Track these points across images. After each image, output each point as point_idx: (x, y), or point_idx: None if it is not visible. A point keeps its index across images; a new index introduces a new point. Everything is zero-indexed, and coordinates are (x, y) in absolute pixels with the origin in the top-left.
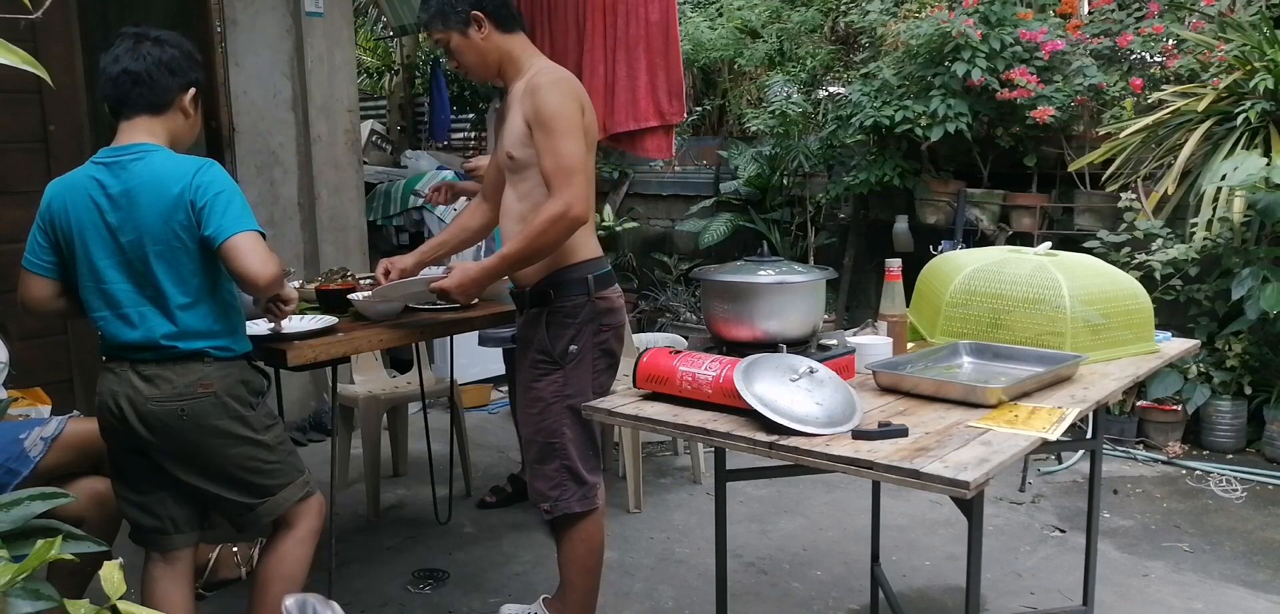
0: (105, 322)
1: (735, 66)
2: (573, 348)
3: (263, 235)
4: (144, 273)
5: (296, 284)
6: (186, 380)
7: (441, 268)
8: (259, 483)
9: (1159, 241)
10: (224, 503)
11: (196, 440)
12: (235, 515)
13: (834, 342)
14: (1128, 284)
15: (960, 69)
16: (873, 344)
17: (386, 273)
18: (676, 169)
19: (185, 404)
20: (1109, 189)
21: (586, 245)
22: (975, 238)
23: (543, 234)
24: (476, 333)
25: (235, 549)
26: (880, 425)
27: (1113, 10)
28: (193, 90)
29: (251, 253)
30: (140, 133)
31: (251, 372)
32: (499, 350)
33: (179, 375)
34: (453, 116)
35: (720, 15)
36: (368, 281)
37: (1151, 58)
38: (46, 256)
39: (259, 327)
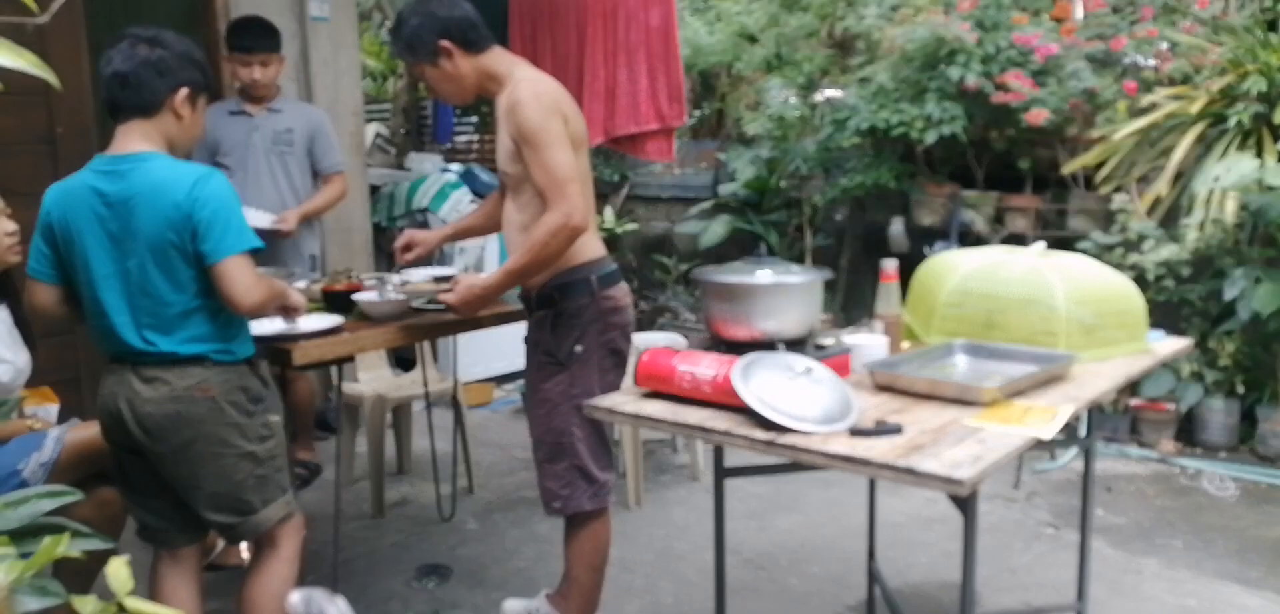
0: (105, 327)
1: (733, 71)
2: (578, 348)
3: (260, 249)
4: (143, 279)
5: (302, 284)
6: (186, 384)
7: (450, 269)
8: (243, 498)
9: (1151, 242)
10: (207, 520)
11: (187, 444)
12: (221, 530)
13: (831, 341)
14: (1121, 284)
15: (955, 73)
16: (869, 344)
17: (407, 247)
18: (676, 172)
19: (182, 407)
20: (1102, 191)
21: (589, 247)
22: (970, 239)
23: (545, 247)
24: (477, 332)
25: None
26: (876, 424)
27: (1106, 14)
28: (186, 91)
29: (238, 279)
30: (135, 137)
31: (252, 378)
32: (499, 348)
33: (178, 378)
34: (455, 120)
35: (719, 20)
36: (372, 282)
37: (1145, 61)
38: (49, 263)
39: (267, 325)
